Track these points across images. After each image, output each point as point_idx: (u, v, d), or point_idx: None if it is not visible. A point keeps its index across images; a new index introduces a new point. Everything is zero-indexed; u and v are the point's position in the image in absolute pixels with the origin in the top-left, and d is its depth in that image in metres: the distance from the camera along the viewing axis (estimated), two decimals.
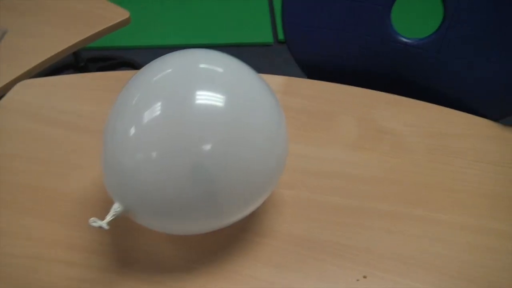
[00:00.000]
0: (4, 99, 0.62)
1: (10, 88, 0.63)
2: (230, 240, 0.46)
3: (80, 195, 0.50)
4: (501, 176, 0.53)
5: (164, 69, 0.40)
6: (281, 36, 1.95)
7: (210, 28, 1.98)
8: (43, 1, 0.90)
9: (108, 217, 0.38)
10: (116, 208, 0.39)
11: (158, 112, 0.38)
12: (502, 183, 0.52)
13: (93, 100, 0.62)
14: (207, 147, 0.37)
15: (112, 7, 0.87)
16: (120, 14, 0.84)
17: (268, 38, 1.95)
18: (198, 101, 0.38)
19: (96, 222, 0.37)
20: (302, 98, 0.64)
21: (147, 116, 0.38)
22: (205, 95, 0.38)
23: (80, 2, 0.89)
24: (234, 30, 1.97)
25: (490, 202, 0.50)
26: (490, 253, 0.45)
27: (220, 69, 0.41)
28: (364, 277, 0.43)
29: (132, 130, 0.38)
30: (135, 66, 1.64)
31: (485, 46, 0.58)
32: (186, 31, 1.96)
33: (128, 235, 0.46)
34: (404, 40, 0.63)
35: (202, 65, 0.41)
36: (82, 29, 0.83)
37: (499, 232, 0.47)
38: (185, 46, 1.86)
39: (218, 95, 0.39)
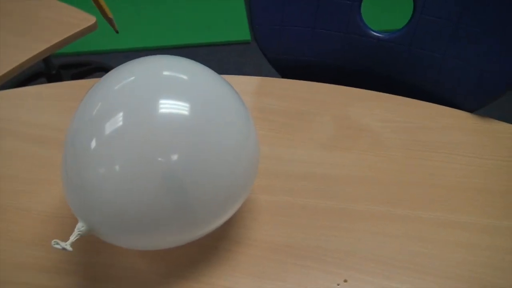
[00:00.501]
0: None
1: None
2: (205, 251, 0.44)
3: (48, 212, 0.47)
4: (480, 168, 0.53)
5: (126, 77, 0.38)
6: None
7: (187, 28, 1.95)
8: (5, 9, 0.87)
9: (72, 238, 0.36)
10: (80, 227, 0.37)
11: (120, 123, 0.36)
12: (482, 176, 0.52)
13: (61, 111, 0.60)
14: (176, 156, 0.35)
15: (78, 13, 0.84)
16: (87, 19, 0.81)
17: (245, 35, 1.93)
18: (162, 110, 0.36)
19: (58, 244, 0.35)
20: (276, 99, 0.62)
21: (109, 127, 0.36)
22: (170, 103, 0.37)
23: (44, 8, 0.86)
24: (211, 29, 1.95)
25: (471, 197, 0.49)
26: (473, 250, 0.44)
27: (184, 76, 0.39)
28: (345, 281, 0.42)
29: (93, 143, 0.36)
30: None
31: (457, 37, 0.58)
32: (162, 33, 1.93)
33: (98, 252, 0.44)
34: (376, 34, 0.62)
35: (165, 72, 0.39)
36: (48, 36, 0.80)
37: (481, 228, 0.46)
38: (163, 47, 1.84)
39: (183, 103, 0.37)
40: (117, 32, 0.87)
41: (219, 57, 1.79)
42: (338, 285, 0.41)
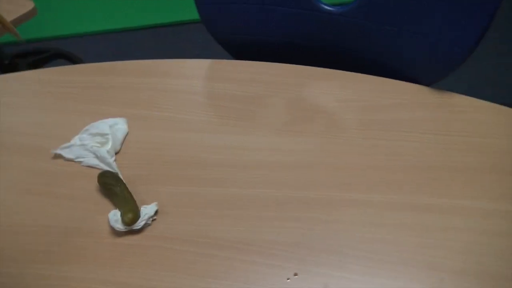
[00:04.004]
0: None
1: None
2: (146, 251, 0.41)
3: None
4: (440, 146, 0.50)
5: None
6: None
7: (151, 8, 1.88)
8: None
9: None
10: None
11: None
12: (440, 153, 0.49)
13: None
14: None
15: None
16: (24, 5, 0.76)
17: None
18: None
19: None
20: (228, 82, 0.59)
21: None
22: None
23: None
24: (175, 8, 1.88)
25: (429, 176, 0.47)
26: (430, 233, 0.42)
27: None
28: (295, 274, 0.40)
29: None
30: (71, 57, 1.53)
31: (410, 8, 0.55)
32: (125, 14, 1.85)
33: None
34: (328, 8, 0.59)
35: None
36: None
37: (438, 209, 0.44)
38: (126, 29, 1.77)
39: None
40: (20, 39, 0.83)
41: (185, 37, 1.73)
42: (288, 279, 0.39)
